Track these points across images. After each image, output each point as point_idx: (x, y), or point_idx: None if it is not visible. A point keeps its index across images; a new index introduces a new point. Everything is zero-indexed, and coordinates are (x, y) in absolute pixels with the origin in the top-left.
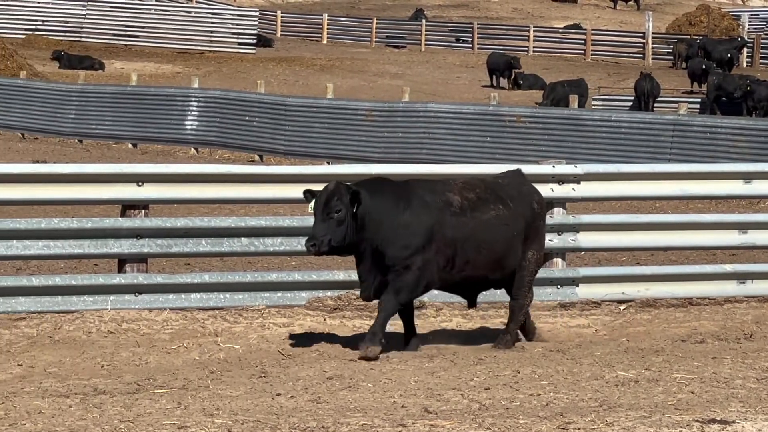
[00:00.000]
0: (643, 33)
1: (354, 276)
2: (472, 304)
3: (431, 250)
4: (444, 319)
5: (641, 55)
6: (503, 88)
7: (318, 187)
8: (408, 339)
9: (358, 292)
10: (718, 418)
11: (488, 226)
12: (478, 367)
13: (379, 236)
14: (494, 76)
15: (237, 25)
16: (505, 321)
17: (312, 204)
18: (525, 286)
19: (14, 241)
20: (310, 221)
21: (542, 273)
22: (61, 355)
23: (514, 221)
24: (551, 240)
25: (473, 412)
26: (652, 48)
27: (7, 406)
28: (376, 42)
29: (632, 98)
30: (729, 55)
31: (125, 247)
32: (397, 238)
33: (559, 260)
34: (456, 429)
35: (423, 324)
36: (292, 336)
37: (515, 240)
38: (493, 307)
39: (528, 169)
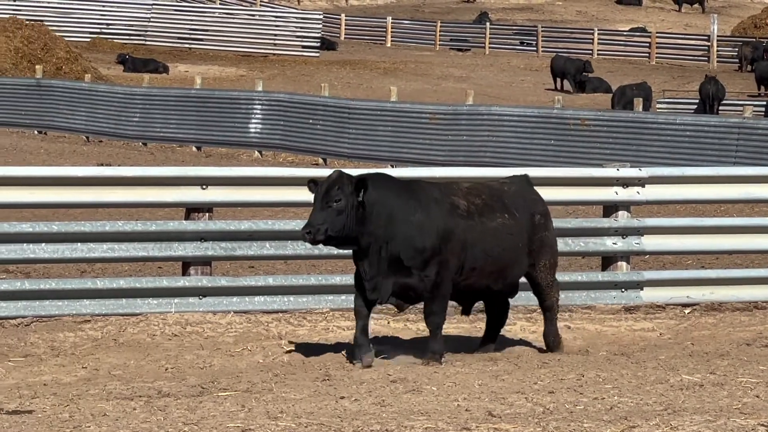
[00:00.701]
0: (708, 36)
1: None
2: (466, 311)
3: (446, 250)
4: (508, 323)
5: (706, 58)
6: (568, 92)
7: None
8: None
9: None
10: None
11: (495, 233)
12: (542, 371)
13: (388, 233)
14: (558, 79)
15: (301, 28)
16: (567, 325)
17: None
18: (546, 289)
19: (79, 243)
20: None
21: (606, 276)
22: (125, 357)
23: (518, 232)
24: (615, 243)
25: (537, 416)
26: (717, 51)
27: (72, 409)
28: (440, 45)
29: (697, 101)
30: None
31: (189, 250)
32: (412, 238)
33: (624, 263)
34: None
35: None
36: None
37: (520, 251)
38: None
39: (592, 172)
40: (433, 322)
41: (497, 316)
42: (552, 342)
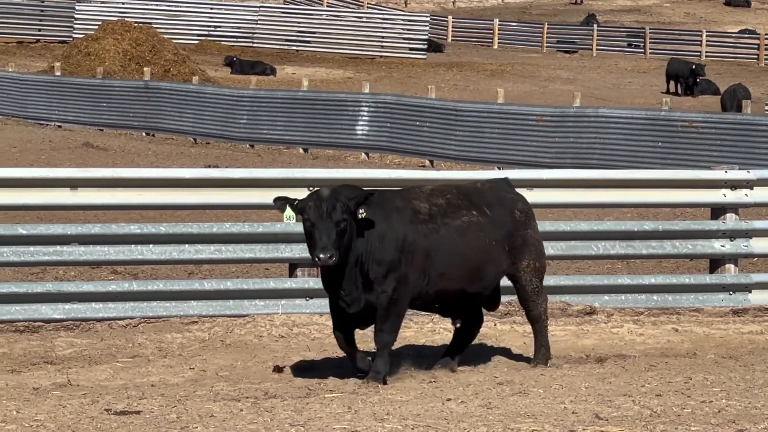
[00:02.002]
0: None
1: None
2: (454, 319)
3: (406, 264)
4: (615, 325)
5: None
6: (676, 94)
7: None
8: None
9: None
10: None
11: (461, 231)
12: (649, 374)
13: (360, 247)
14: (673, 82)
15: (408, 30)
16: (674, 327)
17: (288, 214)
18: (532, 295)
19: (186, 245)
20: None
21: (714, 279)
22: (232, 358)
23: (490, 229)
24: (723, 246)
25: (644, 419)
26: None
27: (179, 410)
28: (547, 47)
29: None
30: None
31: (296, 251)
32: (375, 251)
33: (732, 266)
34: None
35: (594, 330)
36: None
37: (494, 249)
38: (664, 313)
39: (700, 174)
40: (383, 340)
41: (468, 327)
42: (545, 353)
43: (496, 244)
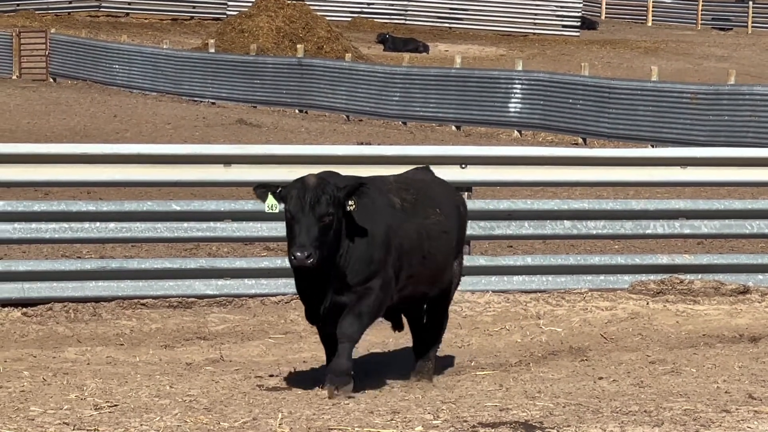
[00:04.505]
0: None
1: (678, 260)
2: (398, 326)
3: (390, 264)
4: None
5: None
6: None
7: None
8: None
9: (682, 277)
10: None
11: (430, 232)
12: None
13: (340, 246)
14: None
15: (561, 7)
16: None
17: (270, 203)
18: (447, 303)
19: None
20: (634, 205)
21: None
22: (383, 335)
23: (449, 228)
24: None
25: None
26: None
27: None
28: (701, 24)
29: None
30: None
31: None
32: (359, 251)
33: None
34: None
35: (747, 309)
36: (614, 319)
37: (452, 251)
38: None
39: None
40: (348, 331)
41: (427, 325)
42: (431, 368)
43: (455, 245)
